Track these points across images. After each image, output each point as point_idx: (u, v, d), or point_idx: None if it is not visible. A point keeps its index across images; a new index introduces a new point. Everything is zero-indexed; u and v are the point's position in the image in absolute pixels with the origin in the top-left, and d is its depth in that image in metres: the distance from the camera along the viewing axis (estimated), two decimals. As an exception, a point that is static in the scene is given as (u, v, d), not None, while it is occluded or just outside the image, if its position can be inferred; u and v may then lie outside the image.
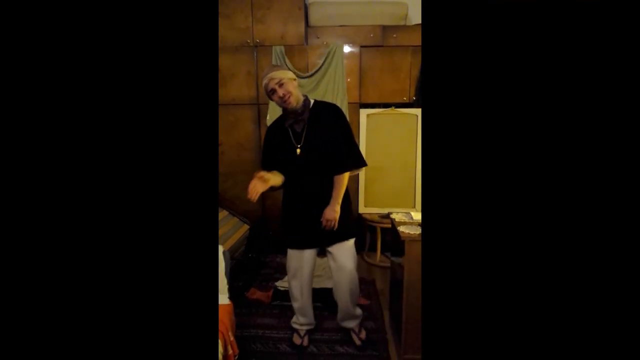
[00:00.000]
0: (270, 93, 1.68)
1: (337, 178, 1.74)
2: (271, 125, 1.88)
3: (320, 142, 1.72)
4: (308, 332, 2.03)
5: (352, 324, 1.99)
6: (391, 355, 1.92)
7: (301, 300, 1.96)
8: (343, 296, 1.88)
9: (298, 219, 1.81)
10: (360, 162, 1.78)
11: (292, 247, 1.86)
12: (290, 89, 1.66)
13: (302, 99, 1.73)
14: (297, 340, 2.00)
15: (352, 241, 1.86)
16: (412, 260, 1.73)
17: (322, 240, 1.81)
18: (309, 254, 1.85)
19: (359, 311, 1.98)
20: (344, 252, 1.83)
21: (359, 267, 1.94)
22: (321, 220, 1.73)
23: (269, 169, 1.76)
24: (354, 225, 1.98)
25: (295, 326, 2.03)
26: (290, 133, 1.76)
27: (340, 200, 1.74)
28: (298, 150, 1.73)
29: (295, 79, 1.71)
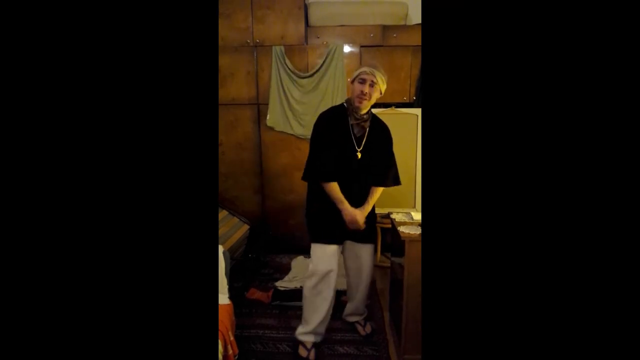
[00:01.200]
0: (358, 81, 1.71)
1: (375, 188, 1.84)
2: (326, 114, 1.84)
3: (374, 152, 1.82)
4: (315, 344, 1.90)
5: (357, 318, 2.10)
6: (391, 355, 1.91)
7: (324, 295, 1.84)
8: (358, 294, 2.01)
9: (335, 215, 1.80)
10: (397, 181, 1.90)
11: (323, 241, 1.84)
12: (373, 94, 1.72)
13: (370, 107, 1.79)
14: (303, 352, 1.87)
15: (369, 248, 1.96)
16: (412, 261, 1.73)
17: (351, 236, 1.87)
18: (336, 248, 1.85)
19: (364, 303, 2.08)
20: (368, 253, 1.94)
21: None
22: (348, 218, 1.78)
23: (334, 177, 1.77)
24: (374, 232, 2.09)
25: (302, 337, 1.89)
26: (352, 134, 1.79)
27: (370, 208, 1.85)
28: (359, 154, 1.79)
29: (382, 93, 1.77)
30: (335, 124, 1.79)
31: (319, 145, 1.79)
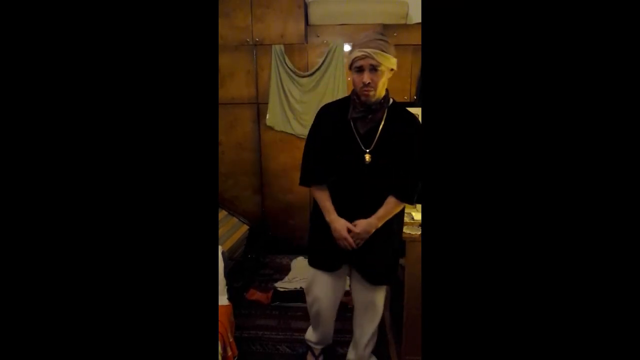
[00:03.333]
0: (355, 70, 1.30)
1: (392, 199, 1.38)
2: (326, 107, 1.47)
3: (394, 153, 1.35)
4: (323, 351, 1.77)
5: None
6: (392, 356, 1.90)
7: (322, 327, 1.63)
8: (362, 339, 1.61)
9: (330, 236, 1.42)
10: (414, 197, 1.41)
11: (318, 267, 1.51)
12: (380, 80, 1.28)
13: (385, 95, 1.35)
14: (310, 359, 1.79)
15: (383, 288, 1.54)
16: (413, 261, 1.72)
17: (361, 270, 1.47)
18: (337, 276, 1.50)
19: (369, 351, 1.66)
20: (378, 296, 1.52)
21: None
22: (349, 228, 1.37)
23: (322, 179, 1.42)
24: (394, 270, 1.53)
25: (310, 343, 1.76)
26: (354, 131, 1.38)
27: (382, 222, 1.38)
28: (367, 157, 1.35)
29: (393, 69, 1.31)
30: (333, 118, 1.41)
31: (308, 144, 1.46)
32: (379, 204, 1.38)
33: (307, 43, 2.94)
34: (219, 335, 1.50)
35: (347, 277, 1.57)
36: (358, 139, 1.37)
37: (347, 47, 2.91)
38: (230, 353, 1.58)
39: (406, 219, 1.96)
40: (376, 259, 1.44)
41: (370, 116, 1.35)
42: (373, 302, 1.53)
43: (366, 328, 1.59)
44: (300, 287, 2.57)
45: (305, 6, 2.94)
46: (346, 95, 2.67)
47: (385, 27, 2.90)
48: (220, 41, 2.90)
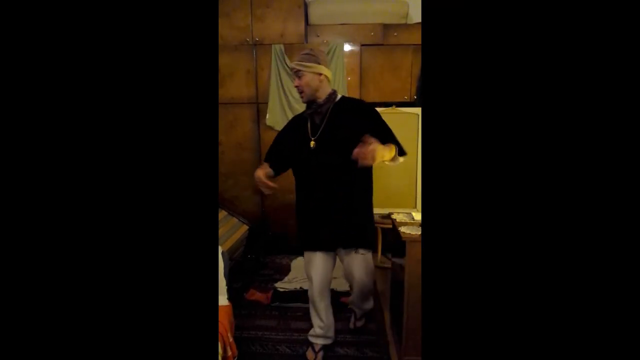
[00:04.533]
0: (295, 74, 1.66)
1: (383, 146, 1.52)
2: (294, 116, 1.87)
3: (339, 134, 1.61)
4: (323, 347, 1.90)
5: (355, 309, 2.05)
6: (392, 357, 1.90)
7: (317, 307, 1.81)
8: (353, 295, 1.91)
9: (310, 218, 1.72)
10: (402, 151, 1.68)
11: (306, 249, 1.79)
12: (308, 83, 1.62)
13: (327, 92, 1.66)
14: (310, 356, 1.89)
15: (368, 255, 1.74)
16: (413, 261, 1.72)
17: (335, 243, 1.72)
18: (321, 257, 1.75)
19: (367, 305, 1.98)
20: (358, 263, 1.72)
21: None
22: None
23: (271, 160, 1.78)
24: (371, 233, 1.79)
25: (311, 339, 1.90)
26: (309, 125, 1.71)
27: (386, 152, 1.52)
28: (312, 143, 1.65)
29: (324, 74, 1.63)
30: (292, 122, 1.82)
31: (270, 148, 1.85)
32: (328, 179, 1.65)
33: (307, 43, 2.94)
34: (219, 336, 1.50)
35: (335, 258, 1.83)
36: (309, 130, 1.70)
37: (347, 47, 2.90)
38: (230, 353, 1.58)
39: (406, 219, 1.96)
40: (347, 228, 1.69)
41: (319, 110, 1.66)
42: (354, 273, 1.75)
43: (355, 289, 1.83)
44: (300, 287, 2.57)
45: (305, 6, 2.94)
46: (346, 94, 2.70)
47: (386, 26, 2.90)
48: (220, 41, 2.89)
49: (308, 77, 1.62)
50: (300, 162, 1.71)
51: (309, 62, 1.60)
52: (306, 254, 1.80)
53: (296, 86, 1.64)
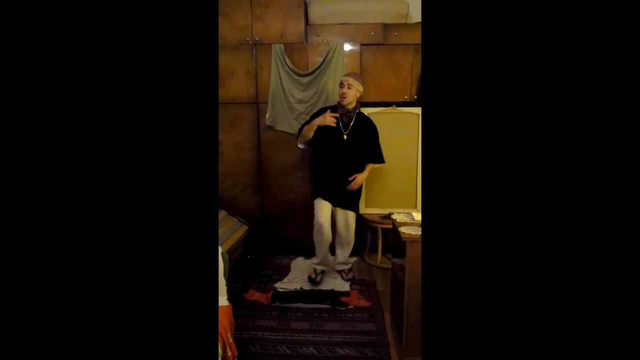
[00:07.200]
0: (340, 85, 2.44)
1: (368, 165, 2.56)
2: (325, 107, 2.60)
3: (360, 136, 2.49)
4: (322, 272, 2.69)
5: (343, 267, 2.74)
6: (392, 357, 1.90)
7: (318, 248, 2.58)
8: (345, 246, 2.68)
9: (326, 181, 2.54)
10: (382, 160, 2.60)
11: (318, 197, 2.56)
12: (350, 93, 2.40)
13: (356, 105, 2.48)
14: (312, 274, 2.65)
15: (353, 214, 2.65)
16: (413, 261, 1.72)
17: (336, 202, 2.56)
18: (326, 205, 2.55)
19: (347, 250, 2.70)
20: (352, 217, 2.64)
21: (359, 269, 2.46)
22: (350, 179, 2.49)
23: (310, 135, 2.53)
24: (357, 202, 2.71)
25: (314, 266, 2.66)
26: (341, 121, 2.47)
27: (365, 177, 2.56)
28: (345, 136, 2.47)
29: (360, 92, 2.45)
30: (324, 111, 2.47)
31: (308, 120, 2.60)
32: (353, 168, 2.52)
33: (307, 42, 2.93)
34: (219, 336, 1.50)
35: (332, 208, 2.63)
36: (341, 126, 2.49)
37: (347, 47, 2.90)
38: (230, 354, 1.57)
39: (406, 220, 1.96)
40: (344, 197, 2.58)
41: (348, 114, 2.48)
42: (349, 223, 2.64)
43: (348, 236, 2.68)
44: (300, 288, 2.57)
45: (305, 5, 2.93)
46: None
47: (386, 26, 2.90)
48: (220, 41, 2.89)
49: (353, 91, 2.41)
50: (331, 145, 2.48)
51: (357, 80, 2.42)
52: (317, 201, 2.57)
53: (343, 93, 2.40)
